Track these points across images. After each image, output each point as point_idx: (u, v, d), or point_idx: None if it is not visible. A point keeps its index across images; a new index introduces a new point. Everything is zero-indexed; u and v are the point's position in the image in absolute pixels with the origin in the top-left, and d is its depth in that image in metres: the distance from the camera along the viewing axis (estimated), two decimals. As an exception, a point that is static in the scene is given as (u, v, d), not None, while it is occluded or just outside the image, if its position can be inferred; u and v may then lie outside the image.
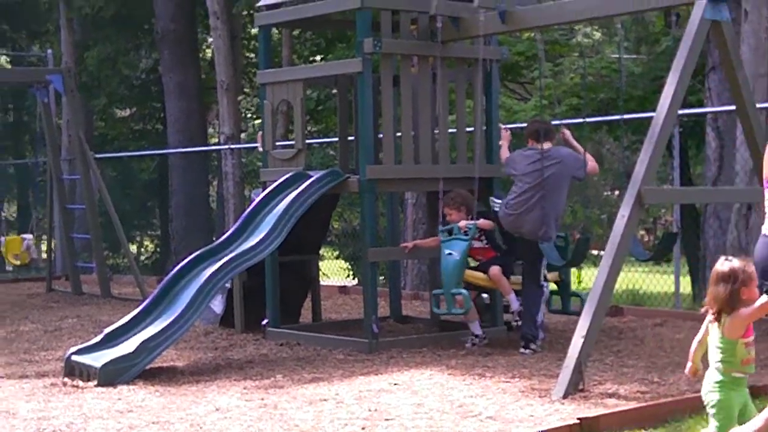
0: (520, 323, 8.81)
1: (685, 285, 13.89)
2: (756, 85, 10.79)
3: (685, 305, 12.11)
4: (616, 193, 27.19)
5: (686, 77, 7.57)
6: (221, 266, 8.51)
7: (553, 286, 9.19)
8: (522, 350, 8.63)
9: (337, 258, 20.65)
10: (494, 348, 8.94)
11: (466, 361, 8.35)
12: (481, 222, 8.81)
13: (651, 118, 7.59)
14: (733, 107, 8.34)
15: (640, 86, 16.12)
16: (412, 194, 13.79)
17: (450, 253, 8.53)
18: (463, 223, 8.68)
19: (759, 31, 11.00)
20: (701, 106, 14.04)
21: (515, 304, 8.84)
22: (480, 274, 9.01)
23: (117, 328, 8.38)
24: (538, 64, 15.50)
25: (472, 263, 9.16)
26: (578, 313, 9.06)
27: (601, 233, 19.46)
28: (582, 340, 7.00)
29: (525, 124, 9.89)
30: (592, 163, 8.99)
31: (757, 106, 9.83)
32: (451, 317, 9.52)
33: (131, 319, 8.43)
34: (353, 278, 19.17)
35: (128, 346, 8.03)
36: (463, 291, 8.50)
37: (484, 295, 9.93)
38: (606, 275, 7.16)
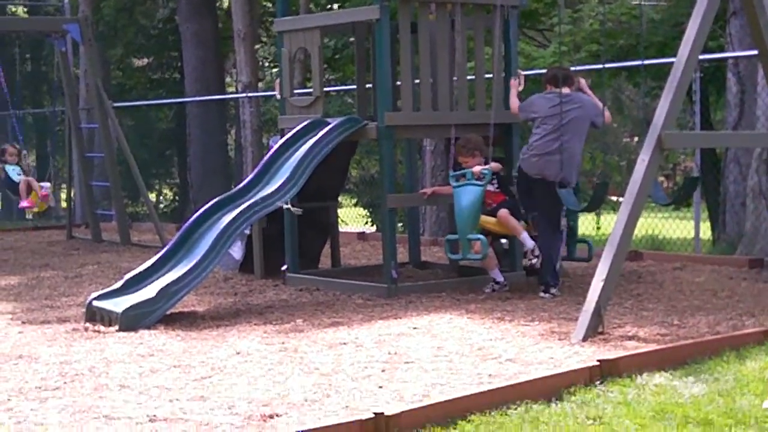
0: (533, 262, 8.80)
1: (705, 230, 13.86)
2: (777, 29, 10.71)
3: (704, 250, 12.11)
4: (635, 139, 27.08)
5: (707, 22, 7.51)
6: (240, 212, 8.55)
7: None
8: (542, 294, 8.66)
9: (355, 205, 20.70)
10: (513, 293, 8.97)
11: (485, 306, 8.39)
12: (493, 165, 8.78)
13: (671, 63, 7.54)
14: (754, 52, 8.28)
15: (660, 32, 15.98)
16: (430, 141, 13.78)
17: (464, 198, 8.49)
18: (477, 169, 8.64)
19: (781, -25, 10.87)
20: (722, 51, 13.94)
21: (529, 243, 8.81)
22: (492, 219, 9.01)
23: (137, 274, 8.44)
24: (557, 10, 15.43)
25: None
26: (586, 259, 9.11)
27: (620, 180, 19.43)
28: (602, 283, 7.01)
29: (544, 71, 9.87)
30: (607, 113, 9.01)
31: (780, 50, 9.80)
32: (470, 263, 9.54)
33: (151, 265, 8.49)
34: (372, 225, 19.22)
35: (149, 291, 8.09)
36: (481, 237, 8.50)
37: (503, 241, 9.93)
38: (626, 219, 7.16)
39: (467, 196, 8.51)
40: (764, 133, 10.24)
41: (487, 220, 9.03)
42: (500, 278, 9.09)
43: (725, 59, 12.95)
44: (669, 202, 8.45)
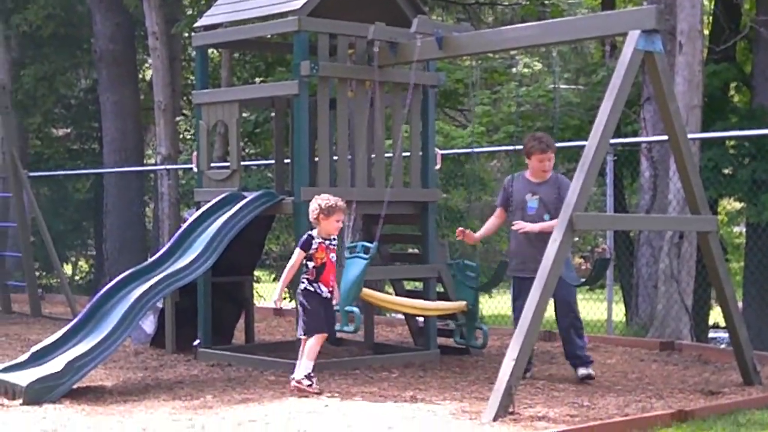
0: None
1: (618, 312, 14.02)
2: (689, 116, 10.99)
3: (617, 331, 12.25)
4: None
5: (619, 106, 7.66)
6: (152, 285, 8.44)
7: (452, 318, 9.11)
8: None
9: (274, 281, 20.57)
10: (426, 371, 8.95)
11: (398, 383, 8.36)
12: None
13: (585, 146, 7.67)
14: (666, 137, 8.45)
15: (576, 116, 16.33)
16: (349, 217, 13.76)
17: (350, 270, 8.46)
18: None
19: (693, 64, 11.18)
20: (636, 135, 14.26)
21: None
22: (407, 301, 9.02)
23: (44, 347, 8.26)
24: (474, 91, 15.67)
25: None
26: (480, 347, 9.09)
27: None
28: (512, 363, 7.03)
29: (463, 150, 10.01)
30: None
31: (690, 136, 10.03)
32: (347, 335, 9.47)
33: (59, 337, 8.32)
34: (290, 301, 19.10)
35: (55, 364, 7.92)
36: (355, 309, 8.44)
37: (419, 318, 9.96)
38: (537, 299, 7.21)
39: (353, 268, 8.47)
40: (675, 217, 10.44)
41: (376, 296, 8.94)
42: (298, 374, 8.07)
43: (639, 144, 13.25)
44: (581, 283, 8.54)
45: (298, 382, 7.94)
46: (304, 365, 8.01)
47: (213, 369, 9.20)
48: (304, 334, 8.13)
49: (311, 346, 8.06)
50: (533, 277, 7.38)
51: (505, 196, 8.60)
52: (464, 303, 8.53)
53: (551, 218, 8.01)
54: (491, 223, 8.81)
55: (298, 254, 8.08)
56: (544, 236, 7.84)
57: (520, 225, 8.40)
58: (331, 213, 8.09)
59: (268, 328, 12.23)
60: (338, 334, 9.34)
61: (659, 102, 8.16)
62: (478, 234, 8.77)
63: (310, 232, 8.15)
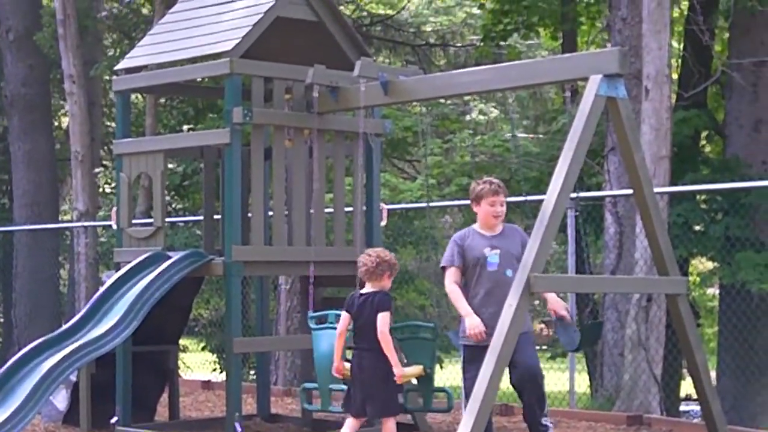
0: None
1: (581, 382, 14.06)
2: (657, 167, 11.10)
3: (580, 404, 12.27)
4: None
5: (580, 157, 7.72)
6: (65, 356, 8.32)
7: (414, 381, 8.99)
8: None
9: (202, 350, 20.42)
10: (372, 450, 8.89)
11: (338, 465, 8.28)
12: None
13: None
14: (632, 191, 8.52)
15: (535, 167, 16.46)
16: (286, 279, 13.77)
17: (324, 343, 8.39)
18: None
19: (660, 110, 11.31)
20: (600, 188, 14.37)
21: None
22: None
23: (-57, 426, 8.12)
24: (424, 139, 15.76)
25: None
26: (445, 410, 8.97)
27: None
28: (465, 441, 7.01)
29: (411, 205, 10.04)
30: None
31: (658, 190, 10.14)
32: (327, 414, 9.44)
33: (-40, 415, 8.18)
34: (221, 372, 18.96)
35: (-45, 446, 7.78)
36: (344, 387, 8.36)
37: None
38: (492, 369, 7.20)
39: (328, 340, 8.41)
40: (642, 278, 10.51)
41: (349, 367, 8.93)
42: None
43: (603, 197, 13.36)
44: (574, 349, 8.55)
45: None
46: None
47: (133, 449, 9.09)
48: (381, 416, 7.84)
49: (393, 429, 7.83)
50: (487, 345, 7.38)
51: (460, 252, 8.40)
52: (421, 367, 8.44)
53: (514, 273, 7.90)
54: (460, 291, 8.24)
55: (388, 317, 7.74)
56: (500, 301, 7.80)
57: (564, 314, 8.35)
58: (395, 271, 7.94)
59: (195, 402, 12.11)
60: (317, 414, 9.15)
61: (624, 152, 8.23)
62: (472, 312, 8.53)
63: (385, 291, 7.90)
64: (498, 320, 7.65)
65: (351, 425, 7.81)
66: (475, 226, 8.31)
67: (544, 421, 8.19)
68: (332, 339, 8.27)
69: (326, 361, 8.33)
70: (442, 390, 8.65)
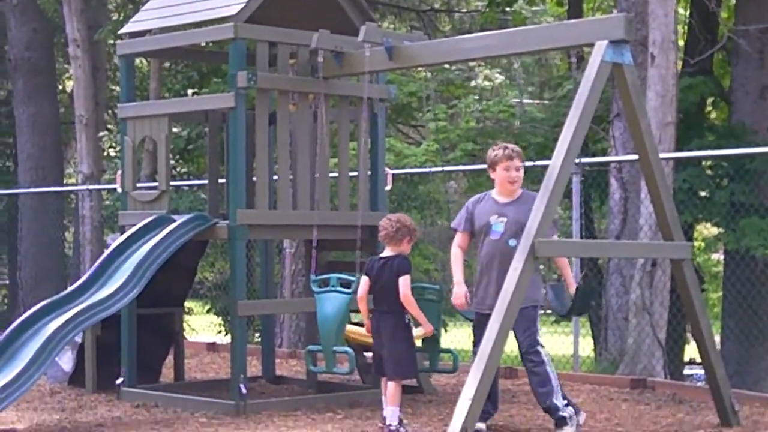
0: None
1: (585, 346, 14.09)
2: (662, 133, 11.11)
3: (584, 368, 12.32)
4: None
5: (585, 123, 7.72)
6: (70, 318, 8.38)
7: (419, 343, 9.06)
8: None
9: (207, 312, 20.49)
10: (375, 412, 8.94)
11: (343, 426, 8.35)
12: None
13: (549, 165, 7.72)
14: (637, 156, 8.53)
15: (540, 132, 16.44)
16: (290, 243, 13.81)
17: (328, 306, 8.44)
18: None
19: (666, 77, 11.30)
20: (605, 154, 14.38)
21: None
22: (359, 329, 8.98)
23: (-51, 387, 8.17)
24: (429, 105, 15.77)
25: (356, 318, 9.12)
26: (451, 371, 9.01)
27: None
28: (469, 403, 7.04)
29: (416, 170, 10.04)
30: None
31: (663, 156, 10.15)
32: (332, 376, 9.49)
33: (-34, 376, 8.23)
34: (225, 334, 19.03)
35: (-39, 406, 7.84)
36: (348, 349, 8.41)
37: (366, 354, 9.95)
38: (497, 332, 7.23)
39: (332, 303, 8.47)
40: (646, 243, 10.53)
41: (353, 330, 9.01)
42: (393, 421, 7.93)
43: (608, 163, 13.37)
44: (565, 314, 8.57)
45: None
46: (394, 412, 7.91)
47: (138, 410, 9.15)
48: (395, 377, 7.97)
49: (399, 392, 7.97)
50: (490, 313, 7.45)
51: (468, 217, 8.40)
52: (431, 328, 8.47)
53: (518, 243, 7.86)
54: (460, 257, 8.35)
55: (409, 280, 7.95)
56: (498, 270, 7.82)
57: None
58: (414, 236, 8.11)
59: (200, 364, 12.17)
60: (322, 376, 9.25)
61: (629, 118, 8.24)
62: (461, 281, 8.58)
63: (404, 256, 8.05)
64: (493, 290, 7.75)
65: (384, 387, 8.03)
66: (493, 191, 8.27)
67: (548, 402, 7.97)
68: (335, 302, 8.36)
69: (329, 324, 8.40)
70: (447, 351, 8.71)
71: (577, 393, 9.94)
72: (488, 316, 7.48)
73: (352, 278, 8.48)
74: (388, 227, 8.03)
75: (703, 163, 14.66)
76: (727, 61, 17.29)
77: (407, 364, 8.00)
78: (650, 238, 10.90)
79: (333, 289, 8.47)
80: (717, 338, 13.94)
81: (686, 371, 16.27)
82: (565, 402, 8.01)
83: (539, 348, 7.97)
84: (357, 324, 9.03)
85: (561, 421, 7.90)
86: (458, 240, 8.28)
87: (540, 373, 7.94)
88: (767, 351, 14.79)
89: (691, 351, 16.64)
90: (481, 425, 7.83)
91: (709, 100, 17.40)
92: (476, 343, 7.99)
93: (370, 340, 8.91)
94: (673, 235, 8.29)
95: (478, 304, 8.13)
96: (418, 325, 8.18)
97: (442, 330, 8.70)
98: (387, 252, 8.07)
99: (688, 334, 14.43)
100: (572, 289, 8.20)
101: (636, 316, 11.18)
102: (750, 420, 8.61)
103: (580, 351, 11.79)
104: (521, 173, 8.15)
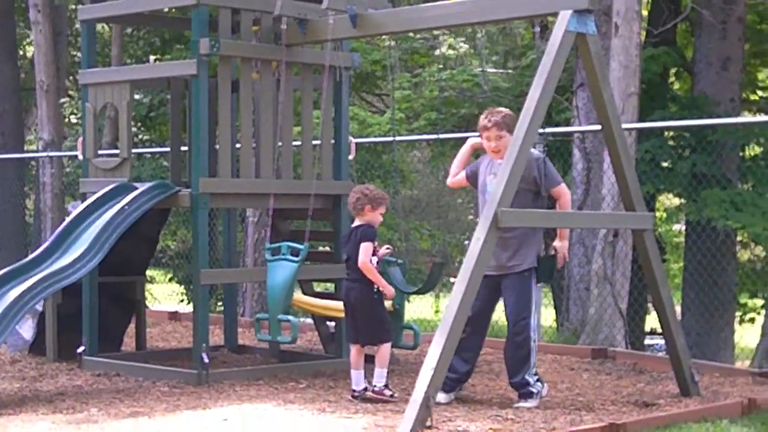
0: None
1: (547, 316, 14.18)
2: (625, 104, 11.14)
3: (546, 338, 12.38)
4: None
5: (549, 92, 7.73)
6: (31, 286, 8.32)
7: None
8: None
9: (170, 281, 20.44)
10: (337, 381, 8.96)
11: (305, 395, 8.36)
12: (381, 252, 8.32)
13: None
14: (600, 127, 8.56)
15: (504, 102, 16.44)
16: (253, 212, 13.77)
17: (277, 274, 8.45)
18: (382, 252, 8.22)
19: (630, 47, 11.32)
20: (568, 124, 14.41)
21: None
22: (317, 300, 9.01)
23: None
24: (392, 73, 15.72)
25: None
26: (412, 347, 9.03)
27: (461, 260, 19.72)
28: (431, 372, 7.05)
29: (380, 139, 10.04)
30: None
31: (626, 126, 10.18)
32: (291, 346, 9.51)
33: (-75, 344, 8.19)
34: (188, 303, 19.00)
35: None
36: (291, 318, 8.47)
37: (329, 323, 9.97)
38: (459, 303, 7.24)
39: (281, 272, 8.47)
40: (608, 214, 10.57)
41: (309, 302, 9.03)
42: (359, 385, 8.16)
43: (571, 133, 13.40)
44: (413, 291, 8.53)
45: (379, 392, 8.03)
46: (381, 373, 8.05)
47: (99, 379, 9.12)
48: (371, 344, 8.12)
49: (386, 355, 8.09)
50: (488, 275, 7.59)
51: (474, 170, 8.37)
52: (390, 303, 8.49)
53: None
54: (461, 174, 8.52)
55: (369, 248, 8.00)
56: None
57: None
58: (379, 204, 8.15)
59: (162, 333, 12.15)
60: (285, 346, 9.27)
61: (592, 88, 8.25)
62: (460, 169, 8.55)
63: (369, 224, 8.12)
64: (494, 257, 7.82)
65: (353, 352, 8.16)
66: None
67: (519, 376, 7.98)
68: (285, 270, 8.42)
69: (277, 292, 8.44)
70: (410, 327, 8.72)
71: (539, 363, 9.91)
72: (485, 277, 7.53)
73: (301, 247, 8.48)
74: (351, 199, 8.18)
75: (666, 133, 14.72)
76: (691, 32, 17.35)
77: (385, 329, 8.13)
78: (612, 208, 10.95)
79: (282, 257, 8.48)
80: (678, 309, 14.04)
81: (647, 341, 16.39)
82: (536, 377, 8.05)
83: (530, 320, 8.01)
84: (319, 294, 9.04)
85: (527, 395, 7.94)
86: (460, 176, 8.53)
87: (522, 345, 7.99)
88: (727, 322, 14.92)
89: (652, 321, 16.77)
90: (444, 396, 7.90)
91: (672, 70, 17.47)
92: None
93: (331, 312, 8.95)
94: (635, 205, 8.33)
95: None
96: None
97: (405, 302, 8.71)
98: (356, 222, 8.20)
99: (649, 305, 14.52)
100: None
101: (598, 287, 11.24)
102: (709, 390, 8.70)
103: (542, 321, 11.84)
104: (504, 141, 8.04)
